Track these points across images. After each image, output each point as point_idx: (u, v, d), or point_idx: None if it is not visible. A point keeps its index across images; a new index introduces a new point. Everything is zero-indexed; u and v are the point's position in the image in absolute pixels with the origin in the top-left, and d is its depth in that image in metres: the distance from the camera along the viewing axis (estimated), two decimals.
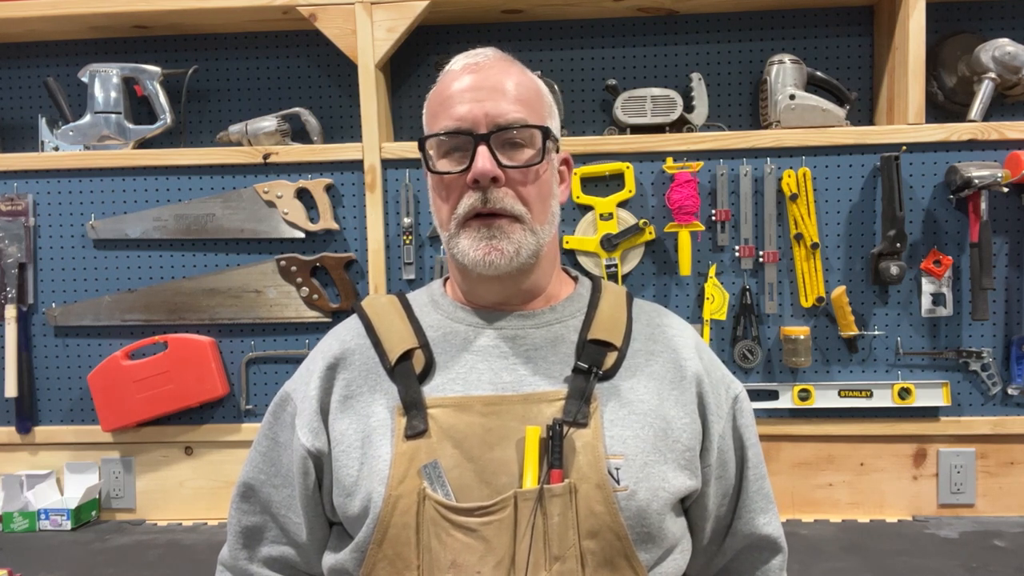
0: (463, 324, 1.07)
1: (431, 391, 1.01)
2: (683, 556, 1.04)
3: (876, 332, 1.88)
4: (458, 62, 1.06)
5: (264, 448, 1.12)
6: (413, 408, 1.00)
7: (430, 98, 1.08)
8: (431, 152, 1.04)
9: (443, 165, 1.03)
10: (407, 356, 1.04)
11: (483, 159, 0.99)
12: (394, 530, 0.95)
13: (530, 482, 0.94)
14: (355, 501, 0.99)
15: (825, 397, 1.89)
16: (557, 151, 1.08)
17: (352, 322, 1.13)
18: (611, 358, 1.03)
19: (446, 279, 1.15)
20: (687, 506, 1.06)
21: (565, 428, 0.96)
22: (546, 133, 1.03)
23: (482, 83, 1.02)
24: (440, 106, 1.04)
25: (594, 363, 1.02)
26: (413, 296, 1.15)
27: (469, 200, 1.00)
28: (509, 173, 1.00)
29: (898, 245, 1.82)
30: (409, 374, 1.02)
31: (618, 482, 0.96)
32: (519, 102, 1.02)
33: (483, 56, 1.05)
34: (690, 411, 1.04)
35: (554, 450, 0.95)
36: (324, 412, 1.06)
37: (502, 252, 1.00)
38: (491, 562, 0.93)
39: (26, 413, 2.00)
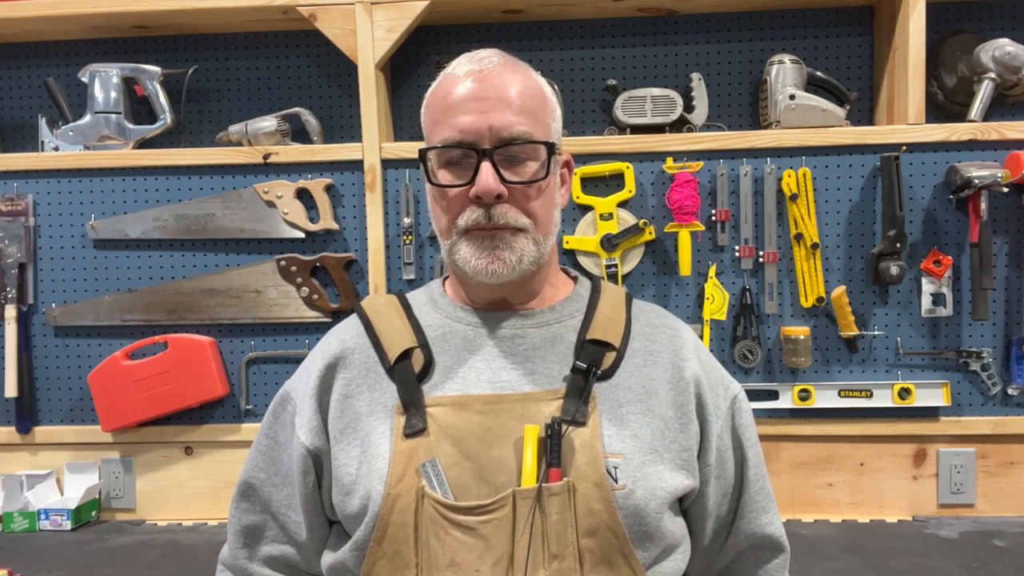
0: (462, 323, 1.07)
1: (430, 390, 1.01)
2: (684, 556, 1.04)
3: (876, 332, 1.88)
4: (461, 66, 1.03)
5: (264, 447, 1.12)
6: (412, 407, 1.00)
7: (430, 101, 1.06)
8: (431, 162, 1.03)
9: (444, 176, 1.02)
10: (406, 355, 1.04)
11: (487, 175, 0.97)
12: (393, 528, 0.95)
13: (528, 480, 0.94)
14: (354, 499, 0.99)
15: (825, 397, 1.89)
16: (559, 149, 1.07)
17: (352, 322, 1.12)
18: (610, 358, 1.03)
19: (446, 278, 1.15)
20: (686, 506, 1.06)
21: (564, 427, 0.96)
22: (551, 149, 1.01)
23: (486, 92, 0.99)
24: (442, 113, 1.02)
25: (593, 363, 1.01)
26: (413, 296, 1.14)
27: (472, 215, 1.00)
28: (513, 189, 0.99)
29: (898, 245, 1.82)
30: (408, 373, 1.02)
31: (616, 481, 0.96)
32: (524, 113, 1.00)
33: (487, 61, 1.02)
34: (688, 411, 1.04)
35: (553, 449, 0.95)
36: (324, 411, 1.06)
37: (504, 262, 1.00)
38: (490, 560, 0.93)
39: (26, 413, 2.01)
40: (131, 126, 1.98)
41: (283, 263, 1.96)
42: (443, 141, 1.00)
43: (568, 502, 0.94)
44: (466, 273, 1.02)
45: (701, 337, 1.84)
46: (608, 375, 1.02)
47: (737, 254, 1.89)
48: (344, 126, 2.05)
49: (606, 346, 1.04)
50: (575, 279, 1.15)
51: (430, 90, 1.07)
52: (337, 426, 1.04)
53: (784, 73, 1.88)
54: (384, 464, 0.97)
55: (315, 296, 1.95)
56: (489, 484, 0.95)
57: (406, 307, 1.11)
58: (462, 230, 1.01)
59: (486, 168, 0.97)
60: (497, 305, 1.08)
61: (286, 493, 1.09)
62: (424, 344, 1.05)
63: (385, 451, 0.98)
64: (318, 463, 1.05)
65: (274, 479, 1.10)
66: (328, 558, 1.05)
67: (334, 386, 1.06)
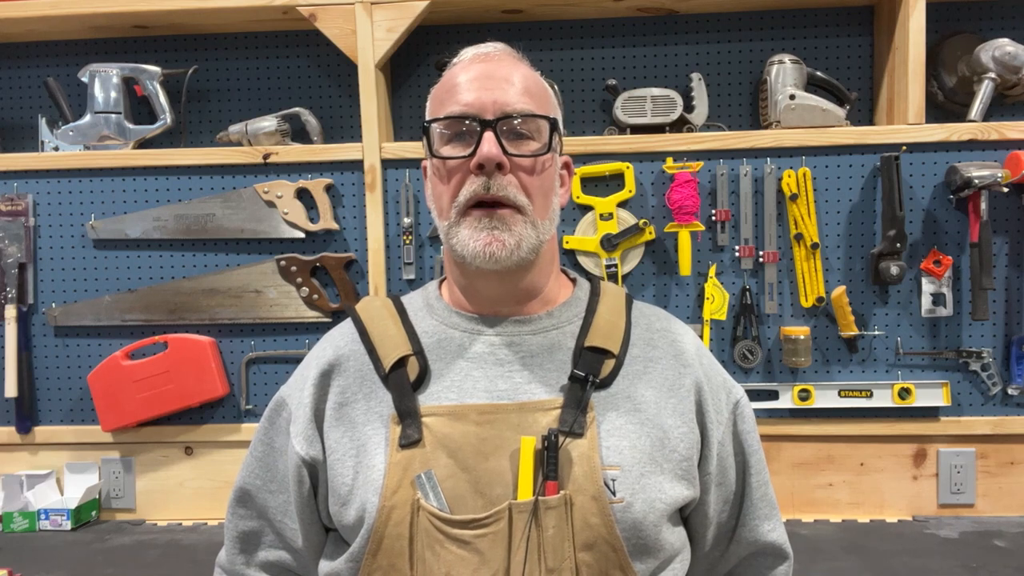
0: (458, 330, 1.05)
1: (425, 399, 1.00)
2: (682, 566, 1.03)
3: (876, 332, 1.88)
4: (467, 53, 1.05)
5: (260, 453, 1.11)
6: (407, 417, 0.98)
7: (436, 88, 1.07)
8: (435, 138, 1.02)
9: (447, 151, 1.01)
10: (401, 363, 1.02)
11: (489, 144, 0.97)
12: (388, 541, 0.94)
13: (525, 494, 0.93)
14: (350, 510, 0.98)
15: (825, 397, 1.89)
16: (560, 151, 1.07)
17: (346, 327, 1.11)
18: (608, 366, 1.01)
19: (442, 280, 1.13)
20: (686, 514, 1.05)
21: (561, 438, 0.94)
22: (553, 125, 1.02)
23: (492, 73, 1.01)
24: (447, 93, 1.02)
25: (591, 371, 1.00)
26: (408, 299, 1.13)
27: (472, 186, 0.98)
28: (514, 161, 0.99)
29: (898, 245, 1.82)
30: (403, 382, 1.01)
31: (614, 493, 0.94)
32: (527, 94, 1.01)
33: (492, 48, 1.05)
34: (688, 419, 1.02)
35: (549, 461, 0.93)
36: (319, 419, 1.04)
37: (503, 244, 0.98)
38: (485, 574, 0.92)
39: (26, 413, 2.01)
40: (131, 126, 1.98)
41: (283, 263, 1.96)
42: (447, 114, 1.00)
43: (565, 516, 0.93)
44: (464, 259, 1.00)
45: (701, 337, 1.84)
46: (607, 383, 1.00)
47: (737, 254, 1.89)
48: (344, 126, 2.05)
49: (605, 353, 1.02)
50: (574, 281, 1.13)
51: (437, 83, 1.08)
52: (332, 435, 1.02)
53: (784, 73, 1.88)
54: (379, 475, 0.96)
55: (315, 296, 1.95)
56: (485, 497, 0.94)
57: (401, 312, 1.09)
58: (462, 207, 0.99)
59: (488, 137, 0.97)
60: (494, 310, 1.06)
61: (282, 500, 1.08)
62: (419, 351, 1.03)
63: (380, 462, 0.97)
64: (313, 472, 1.04)
65: (270, 485, 1.09)
66: (325, 567, 1.04)
67: (329, 394, 1.04)
